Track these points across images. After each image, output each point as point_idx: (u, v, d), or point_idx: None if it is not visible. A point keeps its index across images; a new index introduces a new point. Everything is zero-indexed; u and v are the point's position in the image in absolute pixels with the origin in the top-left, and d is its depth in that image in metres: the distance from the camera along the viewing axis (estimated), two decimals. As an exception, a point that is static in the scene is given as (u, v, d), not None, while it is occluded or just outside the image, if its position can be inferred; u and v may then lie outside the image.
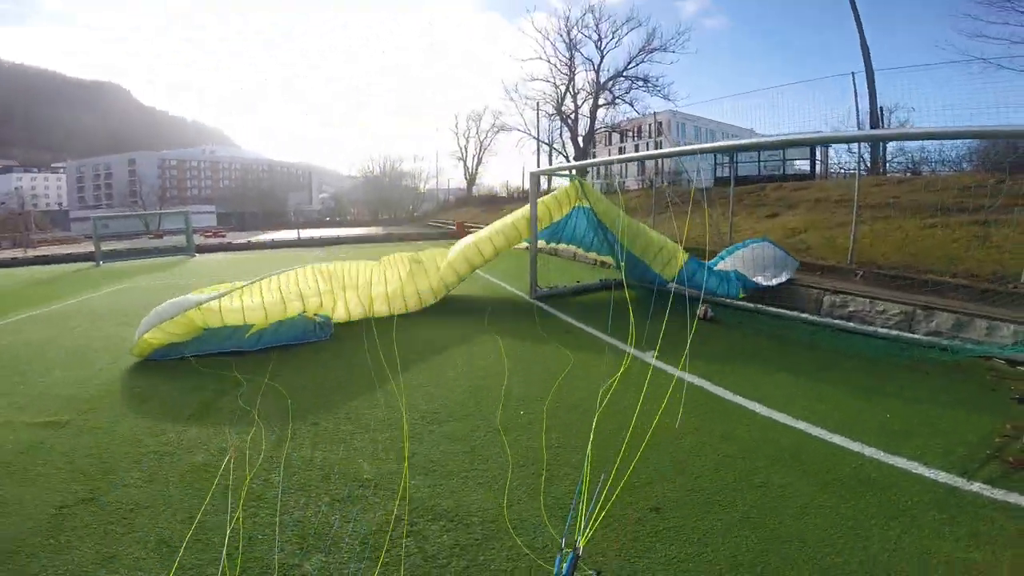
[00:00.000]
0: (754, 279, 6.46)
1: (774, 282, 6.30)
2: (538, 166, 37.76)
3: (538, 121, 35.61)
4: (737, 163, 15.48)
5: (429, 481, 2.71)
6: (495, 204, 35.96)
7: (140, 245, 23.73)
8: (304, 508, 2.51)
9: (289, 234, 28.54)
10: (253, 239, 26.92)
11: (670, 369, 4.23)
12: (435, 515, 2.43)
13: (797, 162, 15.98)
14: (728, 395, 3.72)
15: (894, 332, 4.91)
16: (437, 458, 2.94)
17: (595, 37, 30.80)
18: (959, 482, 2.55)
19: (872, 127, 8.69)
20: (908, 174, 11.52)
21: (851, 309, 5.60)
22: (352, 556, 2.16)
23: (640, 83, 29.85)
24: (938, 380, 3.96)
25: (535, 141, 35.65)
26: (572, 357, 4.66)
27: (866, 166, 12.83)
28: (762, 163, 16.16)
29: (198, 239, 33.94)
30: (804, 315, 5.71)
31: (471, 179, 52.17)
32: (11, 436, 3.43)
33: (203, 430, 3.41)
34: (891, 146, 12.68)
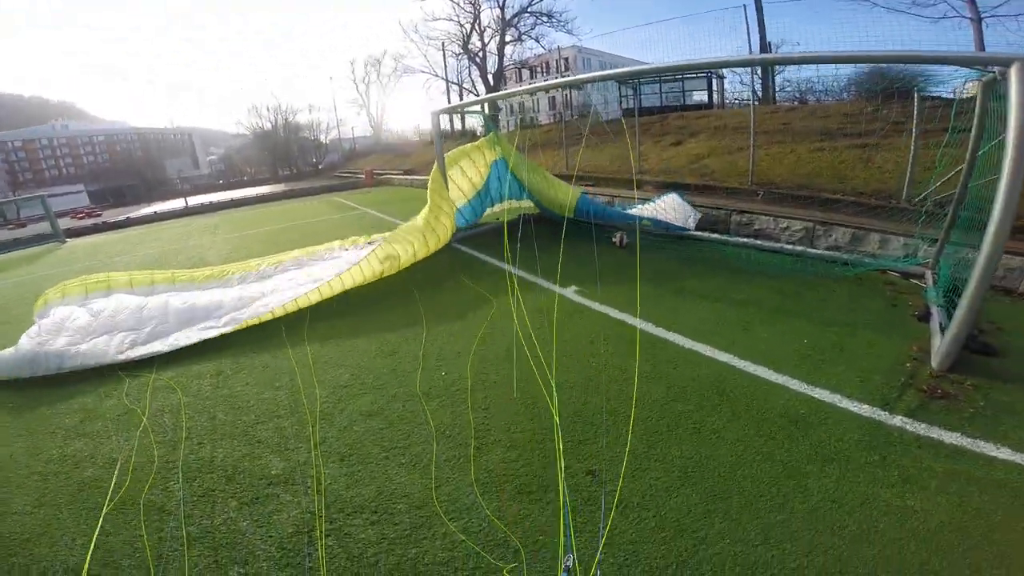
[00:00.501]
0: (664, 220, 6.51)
1: (682, 224, 6.39)
2: (448, 104, 36.16)
3: (444, 61, 34.26)
4: (640, 95, 15.64)
5: (345, 468, 2.52)
6: (405, 149, 34.32)
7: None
8: (211, 517, 2.28)
9: (176, 203, 25.33)
10: (132, 215, 23.58)
11: (589, 303, 4.20)
12: (356, 507, 2.25)
13: (695, 94, 16.44)
14: (650, 328, 3.75)
15: (799, 248, 5.26)
16: (352, 440, 2.74)
17: (496, -29, 29.39)
18: (882, 416, 2.55)
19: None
20: (796, 103, 12.20)
21: (757, 227, 5.89)
22: (271, 565, 1.98)
23: (544, 18, 29.69)
24: (843, 297, 4.08)
25: (443, 82, 34.07)
26: (494, 301, 4.49)
27: (758, 96, 13.51)
28: (664, 94, 16.45)
29: (68, 222, 29.43)
30: (714, 235, 5.90)
31: (377, 126, 49.22)
32: None
33: (88, 441, 3.00)
34: (779, 78, 13.39)
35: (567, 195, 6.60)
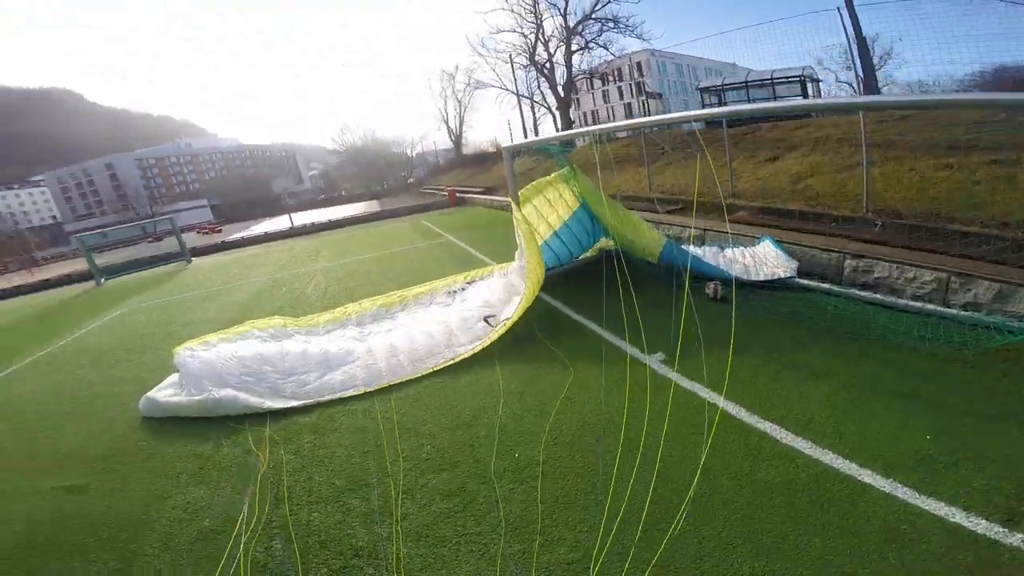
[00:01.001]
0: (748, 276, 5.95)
1: (764, 276, 5.76)
2: (521, 118, 36.70)
3: (513, 74, 34.56)
4: (726, 102, 14.57)
5: (421, 549, 2.66)
6: (485, 164, 35.10)
7: (138, 253, 23.50)
8: None
9: (283, 221, 28.00)
10: (247, 233, 26.47)
11: (676, 378, 3.94)
12: (427, 592, 2.40)
13: (789, 101, 15.00)
14: (742, 413, 3.42)
15: (929, 306, 4.47)
16: (429, 520, 2.87)
17: (553, -22, 29.06)
18: (999, 533, 2.19)
19: (861, 56, 7.94)
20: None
21: (876, 275, 5.13)
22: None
23: (610, 24, 28.66)
24: (985, 377, 3.37)
25: (514, 96, 34.40)
26: (571, 369, 4.40)
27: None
28: (753, 101, 15.15)
29: (194, 236, 33.72)
30: (824, 285, 5.29)
31: (457, 140, 50.89)
32: (40, 503, 3.68)
33: (207, 490, 3.49)
34: (880, 74, 11.84)
35: (651, 239, 6.28)
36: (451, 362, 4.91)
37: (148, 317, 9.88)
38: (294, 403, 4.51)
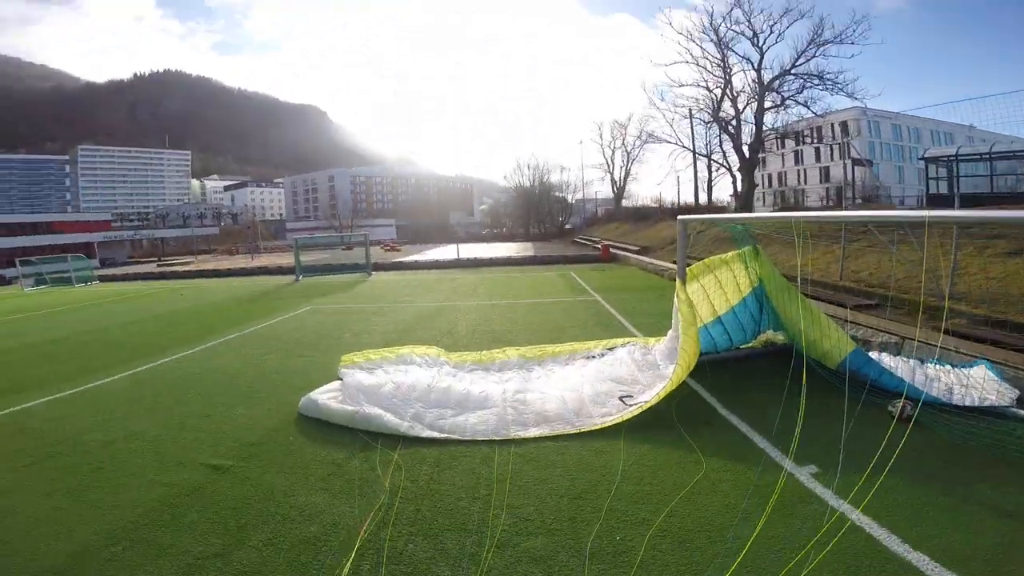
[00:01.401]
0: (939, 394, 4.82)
1: (972, 402, 4.62)
2: (694, 176, 35.11)
3: (692, 130, 33.11)
4: (958, 176, 11.94)
5: None
6: (645, 220, 34.32)
7: (332, 259, 28.16)
8: None
9: (450, 251, 31.02)
10: (420, 257, 30.00)
11: (826, 495, 3.34)
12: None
13: None
14: (905, 551, 2.78)
15: None
16: None
17: (749, 33, 27.29)
18: None
19: None
20: None
21: None
22: None
23: (815, 80, 25.53)
24: None
25: (690, 153, 32.91)
26: (704, 464, 4.00)
27: None
28: (998, 175, 12.18)
29: (379, 251, 39.18)
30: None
31: (619, 192, 50.70)
32: (184, 476, 4.25)
33: (327, 497, 3.78)
34: None
35: (835, 341, 5.47)
36: (578, 431, 4.81)
37: (327, 319, 11.75)
38: (428, 433, 4.80)
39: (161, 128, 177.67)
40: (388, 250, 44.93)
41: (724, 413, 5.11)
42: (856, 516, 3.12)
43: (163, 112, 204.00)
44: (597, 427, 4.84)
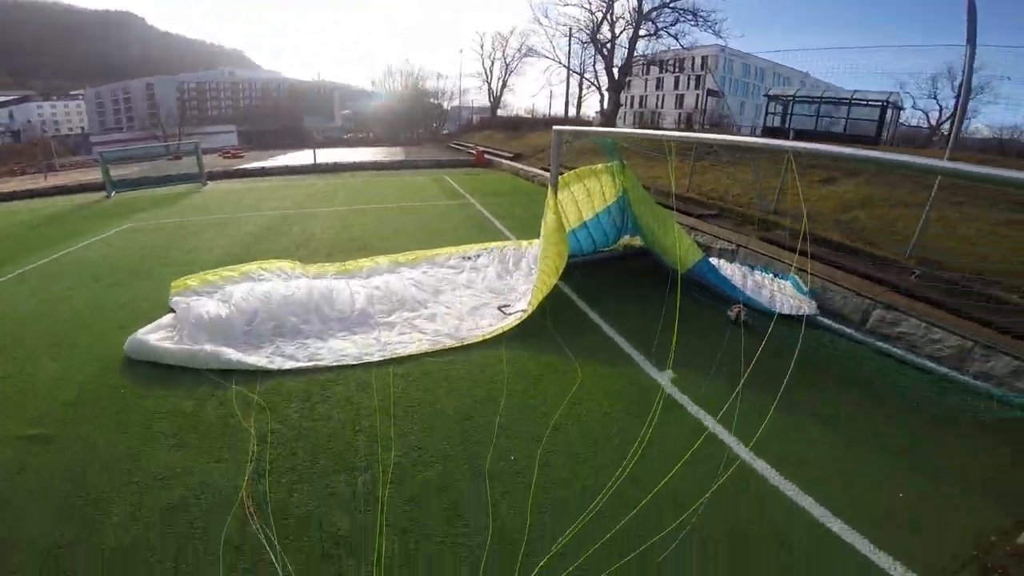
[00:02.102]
0: (764, 302, 5.73)
1: (788, 310, 5.55)
2: (566, 92, 35.83)
3: (569, 48, 33.32)
4: (792, 113, 13.87)
5: (404, 542, 2.63)
6: (519, 130, 34.28)
7: (154, 171, 23.43)
8: (282, 564, 2.48)
9: (305, 157, 27.62)
10: (269, 163, 26.24)
11: (684, 401, 3.92)
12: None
13: (863, 122, 14.20)
14: (740, 449, 3.37)
15: (943, 369, 4.42)
16: (416, 515, 2.82)
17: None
18: None
19: (962, 95, 7.20)
20: (998, 151, 10.05)
21: (901, 330, 5.00)
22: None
23: (689, 16, 27.02)
24: (971, 445, 3.50)
25: (565, 69, 33.37)
26: (579, 373, 4.30)
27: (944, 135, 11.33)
28: (822, 116, 14.43)
29: (217, 159, 33.61)
30: (847, 329, 5.14)
31: (495, 102, 49.80)
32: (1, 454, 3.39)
33: (184, 455, 3.33)
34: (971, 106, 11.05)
35: (686, 251, 6.06)
36: (462, 343, 4.81)
37: (151, 238, 9.75)
38: (292, 364, 4.40)
39: None
40: (228, 157, 39.01)
41: (594, 317, 5.53)
42: (711, 423, 3.61)
43: None
44: (479, 338, 4.89)
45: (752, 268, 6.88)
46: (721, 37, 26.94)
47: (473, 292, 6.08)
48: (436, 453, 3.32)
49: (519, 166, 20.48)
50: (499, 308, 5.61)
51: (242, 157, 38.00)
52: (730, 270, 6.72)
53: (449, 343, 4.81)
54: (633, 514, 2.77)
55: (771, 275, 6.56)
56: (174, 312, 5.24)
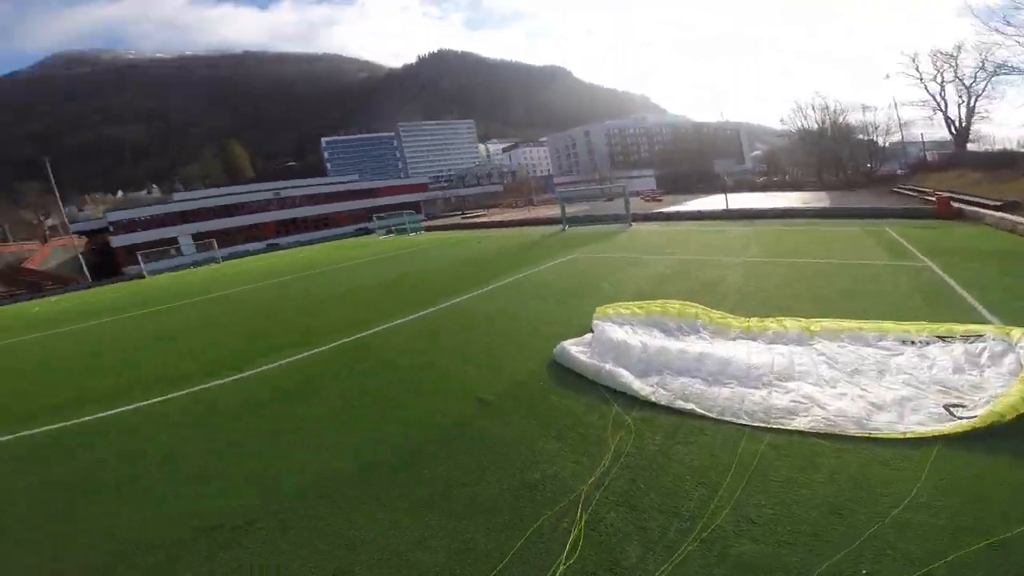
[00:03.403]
0: None
1: None
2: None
3: None
4: None
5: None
6: (1009, 168, 23.78)
7: (594, 211, 29.35)
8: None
9: (717, 202, 28.31)
10: (682, 208, 28.37)
11: None
12: None
13: None
14: None
15: None
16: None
17: None
18: None
19: None
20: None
21: None
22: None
23: None
24: None
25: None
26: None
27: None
28: None
29: (639, 202, 39.08)
30: None
31: (961, 134, 37.15)
32: (459, 407, 5.18)
33: (557, 446, 4.17)
34: None
35: None
36: (867, 435, 3.90)
37: (588, 268, 12.51)
38: (670, 401, 4.71)
39: (446, 101, 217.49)
40: (648, 201, 44.60)
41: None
42: None
43: (444, 87, 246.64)
44: (898, 436, 3.84)
45: None
46: None
47: (908, 380, 4.70)
48: (770, 534, 2.94)
49: (1014, 218, 14.33)
50: (945, 407, 4.18)
51: (660, 201, 42.65)
52: None
53: (852, 430, 3.97)
54: None
55: None
56: (592, 332, 6.46)
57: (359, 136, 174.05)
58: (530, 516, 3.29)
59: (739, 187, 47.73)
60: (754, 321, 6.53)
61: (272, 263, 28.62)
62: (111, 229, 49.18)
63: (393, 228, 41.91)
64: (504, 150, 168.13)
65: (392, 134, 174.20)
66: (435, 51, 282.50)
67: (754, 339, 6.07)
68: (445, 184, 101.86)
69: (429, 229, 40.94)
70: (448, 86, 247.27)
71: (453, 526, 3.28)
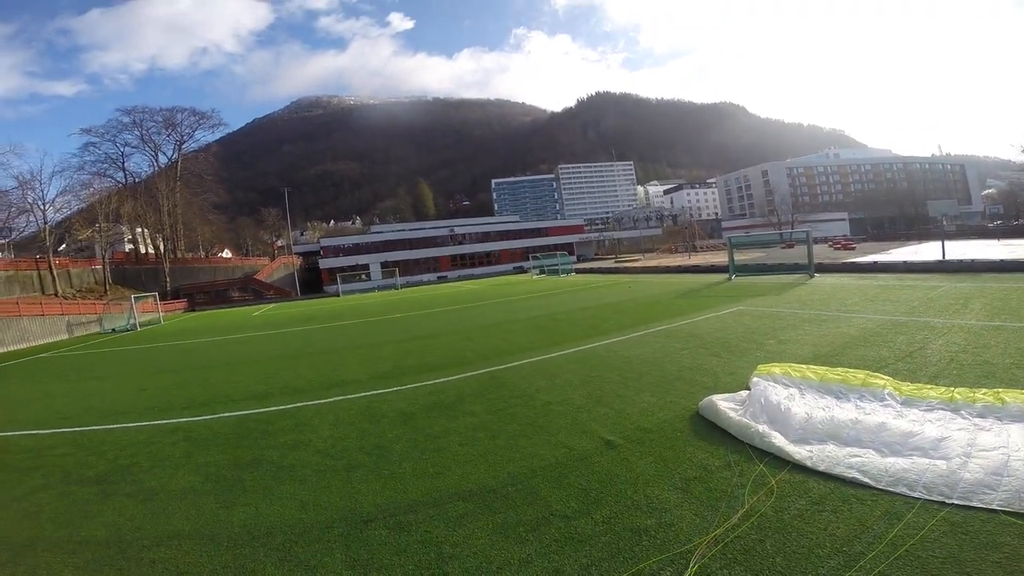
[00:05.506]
0: None
1: None
2: None
3: None
4: None
5: None
6: None
7: (768, 258, 26.66)
8: None
9: (928, 250, 23.55)
10: (882, 258, 24.10)
11: None
12: None
13: None
14: None
15: None
16: None
17: None
18: None
19: None
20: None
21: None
22: None
23: None
24: None
25: None
26: None
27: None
28: None
29: (826, 249, 34.58)
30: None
31: None
32: (583, 443, 5.16)
33: (677, 496, 3.93)
34: None
35: None
36: None
37: (753, 322, 11.17)
38: (829, 468, 4.10)
39: (605, 143, 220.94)
40: (838, 248, 39.25)
41: None
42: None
43: (603, 129, 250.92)
44: None
45: None
46: None
47: None
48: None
49: None
50: None
51: (853, 248, 37.11)
52: None
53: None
54: None
55: None
56: (749, 390, 5.84)
57: (523, 178, 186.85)
58: (629, 559, 3.19)
59: (963, 233, 39.22)
60: (961, 392, 5.26)
61: (444, 292, 32.21)
62: (321, 252, 61.24)
63: (546, 268, 43.85)
64: (665, 192, 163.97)
65: (552, 176, 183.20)
66: (593, 93, 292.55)
67: (956, 411, 4.91)
68: (601, 226, 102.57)
69: (579, 271, 41.47)
70: (607, 128, 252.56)
71: (543, 552, 3.33)
